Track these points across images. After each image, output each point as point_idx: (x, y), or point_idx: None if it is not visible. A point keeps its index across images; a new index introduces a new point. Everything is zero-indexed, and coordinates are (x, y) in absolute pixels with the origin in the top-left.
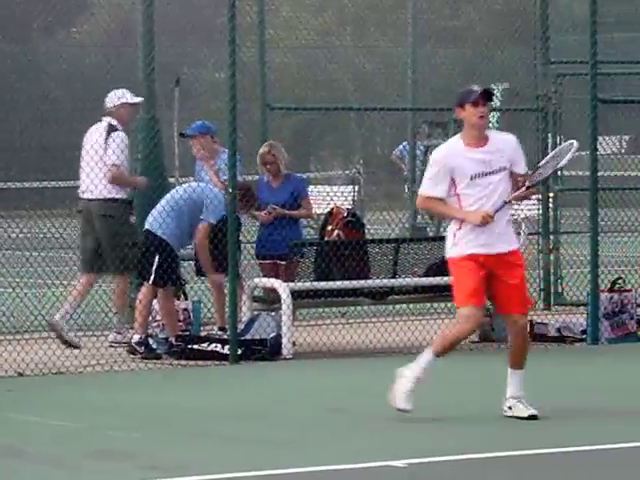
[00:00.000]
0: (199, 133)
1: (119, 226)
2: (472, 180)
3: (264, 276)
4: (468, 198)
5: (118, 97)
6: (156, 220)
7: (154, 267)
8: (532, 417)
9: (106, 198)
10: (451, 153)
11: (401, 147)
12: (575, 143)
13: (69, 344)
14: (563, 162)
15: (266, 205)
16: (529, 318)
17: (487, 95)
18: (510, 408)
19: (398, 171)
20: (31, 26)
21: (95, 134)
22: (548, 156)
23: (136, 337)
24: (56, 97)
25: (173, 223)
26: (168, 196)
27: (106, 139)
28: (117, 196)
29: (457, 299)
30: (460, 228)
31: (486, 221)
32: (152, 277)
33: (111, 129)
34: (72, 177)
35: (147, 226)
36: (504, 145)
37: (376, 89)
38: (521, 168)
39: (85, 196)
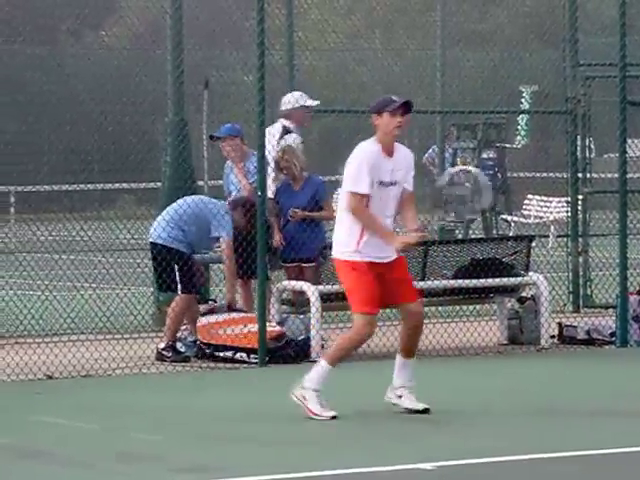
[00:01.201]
0: (229, 135)
1: None
2: (379, 186)
3: (289, 279)
4: (370, 202)
5: (296, 99)
6: (161, 231)
7: (177, 276)
8: (426, 410)
9: None
10: (372, 153)
11: (431, 151)
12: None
13: None
14: (484, 203)
15: (287, 209)
16: (558, 320)
17: (407, 107)
18: (400, 397)
19: (428, 174)
20: (59, 29)
21: (269, 136)
22: (450, 178)
23: (162, 344)
24: (84, 100)
25: (179, 232)
26: (170, 209)
27: (279, 141)
28: None
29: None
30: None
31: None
32: (180, 286)
33: (285, 131)
34: (100, 180)
35: (153, 239)
36: (405, 160)
37: (404, 92)
38: (410, 185)
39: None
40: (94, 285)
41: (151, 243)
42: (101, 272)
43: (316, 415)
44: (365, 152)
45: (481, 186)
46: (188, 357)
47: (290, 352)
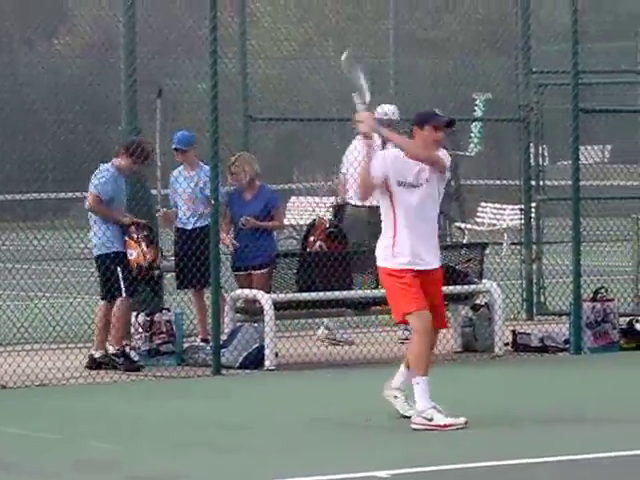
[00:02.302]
0: (192, 146)
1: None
2: (399, 185)
3: (240, 287)
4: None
5: (385, 112)
6: (97, 242)
7: (121, 279)
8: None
9: (371, 206)
10: (394, 154)
11: None
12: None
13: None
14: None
15: (239, 217)
16: (512, 328)
17: (450, 125)
18: (396, 397)
19: None
20: (13, 37)
21: (355, 149)
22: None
23: (111, 349)
24: (38, 109)
25: (106, 233)
26: (91, 220)
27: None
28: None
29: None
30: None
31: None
32: (124, 290)
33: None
34: (54, 189)
35: (97, 253)
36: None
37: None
38: None
39: (352, 202)
40: (48, 294)
41: (95, 257)
42: (55, 281)
43: (451, 425)
44: (387, 151)
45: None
46: (142, 366)
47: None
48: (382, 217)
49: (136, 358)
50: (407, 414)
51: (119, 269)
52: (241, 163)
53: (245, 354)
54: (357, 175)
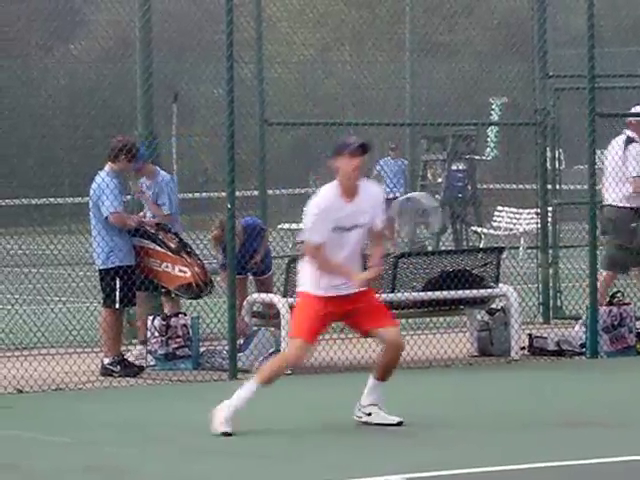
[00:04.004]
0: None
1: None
2: (333, 232)
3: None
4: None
5: None
6: (102, 256)
7: (117, 293)
8: (399, 423)
9: (619, 206)
10: (329, 200)
11: (382, 162)
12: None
13: None
14: (434, 227)
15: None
16: (528, 332)
17: (364, 148)
18: (369, 414)
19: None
20: (29, 42)
21: (615, 146)
22: (398, 208)
23: (107, 359)
24: (55, 113)
25: (106, 246)
26: (94, 231)
27: (624, 151)
28: (629, 205)
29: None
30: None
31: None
32: (117, 302)
33: (629, 141)
34: (70, 194)
35: (98, 266)
36: (371, 200)
37: (374, 104)
38: (380, 222)
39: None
40: (64, 299)
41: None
42: (71, 286)
43: (215, 428)
44: (323, 199)
45: (428, 210)
46: (141, 369)
47: None
48: None
49: (152, 362)
50: (393, 421)
51: (118, 281)
52: (223, 224)
53: (261, 359)
54: None
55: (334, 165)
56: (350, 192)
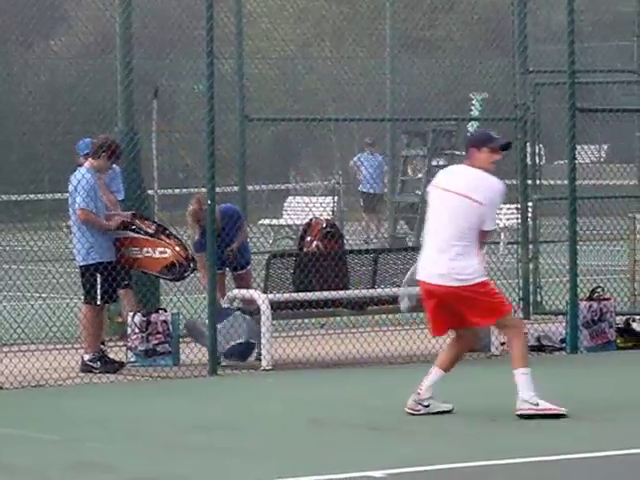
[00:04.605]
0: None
1: None
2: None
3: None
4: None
5: None
6: (83, 253)
7: (98, 289)
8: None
9: None
10: None
11: (356, 159)
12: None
13: None
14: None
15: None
16: None
17: (507, 148)
18: (427, 406)
19: (354, 180)
20: (9, 38)
21: None
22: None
23: (87, 355)
24: (35, 110)
25: (86, 242)
26: (74, 228)
27: None
28: None
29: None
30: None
31: None
32: (99, 298)
33: None
34: (50, 190)
35: (78, 263)
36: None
37: (354, 99)
38: (486, 226)
39: None
40: (44, 295)
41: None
42: (51, 282)
43: (554, 410)
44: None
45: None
46: (121, 365)
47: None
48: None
49: (133, 358)
50: (446, 409)
51: (99, 277)
52: (204, 202)
53: (233, 344)
54: None
55: (471, 153)
56: None
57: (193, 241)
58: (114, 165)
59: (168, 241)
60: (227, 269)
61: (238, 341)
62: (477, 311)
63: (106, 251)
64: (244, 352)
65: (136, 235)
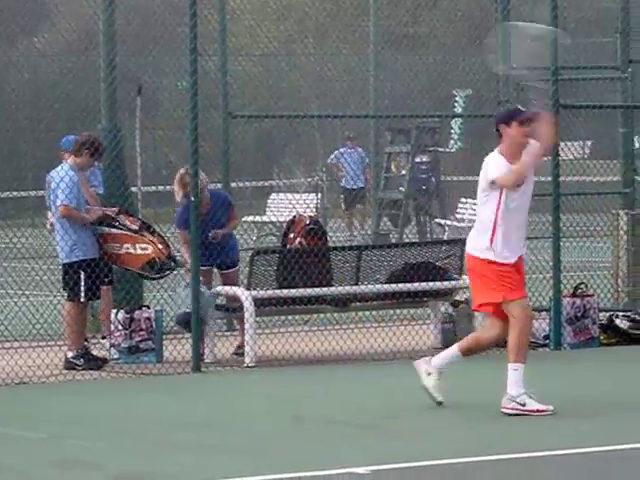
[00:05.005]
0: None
1: None
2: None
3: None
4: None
5: None
6: (66, 250)
7: (82, 286)
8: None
9: None
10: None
11: (333, 156)
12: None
13: None
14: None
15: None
16: None
17: (532, 119)
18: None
19: (335, 177)
20: None
21: None
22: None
23: (70, 353)
24: (18, 107)
25: (69, 239)
26: (57, 225)
27: None
28: None
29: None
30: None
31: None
32: (82, 295)
33: None
34: (33, 187)
35: (62, 261)
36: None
37: (338, 96)
38: None
39: None
40: (27, 292)
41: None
42: (34, 279)
43: (543, 411)
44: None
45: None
46: (104, 361)
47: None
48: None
49: (116, 355)
50: (437, 397)
51: (82, 274)
52: (180, 179)
53: (181, 311)
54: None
55: (502, 130)
56: (516, 158)
57: (177, 214)
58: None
59: (151, 238)
60: (213, 267)
61: (187, 310)
62: None
63: (89, 248)
64: (189, 322)
65: (117, 231)
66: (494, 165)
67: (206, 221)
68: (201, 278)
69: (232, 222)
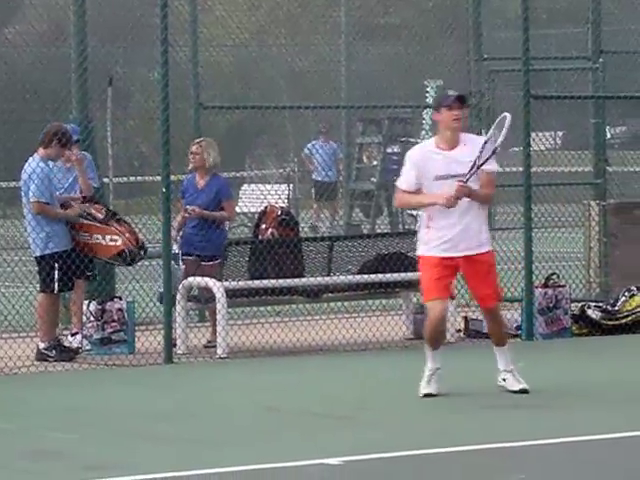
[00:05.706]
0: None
1: None
2: (436, 181)
3: (186, 274)
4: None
5: None
6: (39, 243)
7: (55, 278)
8: (524, 391)
9: None
10: (420, 151)
11: (309, 145)
12: (508, 115)
13: None
14: (500, 139)
15: (188, 204)
16: (463, 314)
17: (461, 99)
18: (504, 380)
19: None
20: None
21: None
22: (489, 132)
23: (42, 344)
24: None
25: (41, 231)
26: (29, 217)
27: None
28: None
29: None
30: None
31: (450, 203)
32: (55, 287)
33: None
34: (5, 178)
35: (34, 254)
36: (474, 148)
37: (310, 87)
38: (491, 166)
39: None
40: (7, 283)
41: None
42: (6, 270)
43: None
44: (413, 150)
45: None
46: (76, 353)
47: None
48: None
49: (88, 347)
50: (516, 388)
51: (56, 266)
52: (206, 146)
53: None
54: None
55: (436, 120)
56: (451, 143)
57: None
58: (84, 152)
59: (119, 228)
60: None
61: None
62: None
63: (62, 239)
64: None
65: (85, 221)
66: (405, 168)
67: (200, 198)
68: (182, 266)
69: (221, 212)
